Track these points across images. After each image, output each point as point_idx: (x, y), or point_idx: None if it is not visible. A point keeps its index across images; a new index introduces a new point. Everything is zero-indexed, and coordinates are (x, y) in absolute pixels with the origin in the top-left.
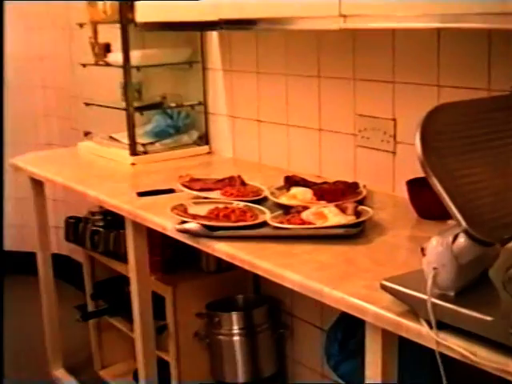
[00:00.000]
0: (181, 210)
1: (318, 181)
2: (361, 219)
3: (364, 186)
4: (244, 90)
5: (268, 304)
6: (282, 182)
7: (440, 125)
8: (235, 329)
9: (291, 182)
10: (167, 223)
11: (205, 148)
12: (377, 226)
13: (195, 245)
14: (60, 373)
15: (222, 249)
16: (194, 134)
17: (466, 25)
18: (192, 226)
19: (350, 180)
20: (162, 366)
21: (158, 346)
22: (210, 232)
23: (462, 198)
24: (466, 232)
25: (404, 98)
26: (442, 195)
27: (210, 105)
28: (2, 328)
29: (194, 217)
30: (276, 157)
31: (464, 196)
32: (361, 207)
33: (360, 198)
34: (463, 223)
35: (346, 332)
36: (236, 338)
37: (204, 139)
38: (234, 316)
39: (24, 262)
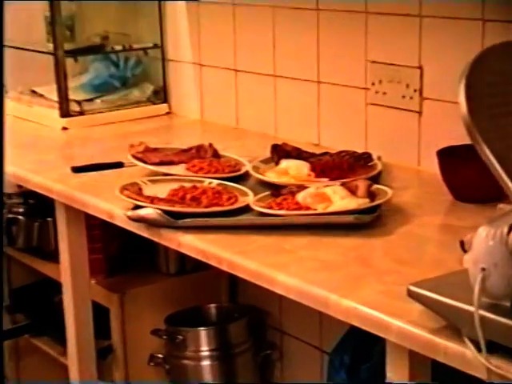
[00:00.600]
0: (133, 190)
1: (317, 151)
2: (376, 202)
3: (379, 158)
4: (216, 29)
5: (249, 316)
6: (268, 153)
7: (491, 74)
8: (205, 350)
9: (281, 152)
10: (115, 209)
11: (162, 107)
12: (397, 211)
13: (154, 238)
14: None
15: (190, 243)
16: (148, 88)
17: None
18: (149, 212)
19: (359, 150)
20: None
21: (101, 374)
22: (173, 220)
23: None
24: None
25: (434, 39)
26: (495, 168)
27: (170, 48)
28: (2, 328)
29: (152, 200)
30: (259, 119)
31: None
32: (375, 186)
33: (374, 173)
34: None
35: (356, 354)
36: (206, 363)
37: (161, 95)
38: (203, 333)
39: None
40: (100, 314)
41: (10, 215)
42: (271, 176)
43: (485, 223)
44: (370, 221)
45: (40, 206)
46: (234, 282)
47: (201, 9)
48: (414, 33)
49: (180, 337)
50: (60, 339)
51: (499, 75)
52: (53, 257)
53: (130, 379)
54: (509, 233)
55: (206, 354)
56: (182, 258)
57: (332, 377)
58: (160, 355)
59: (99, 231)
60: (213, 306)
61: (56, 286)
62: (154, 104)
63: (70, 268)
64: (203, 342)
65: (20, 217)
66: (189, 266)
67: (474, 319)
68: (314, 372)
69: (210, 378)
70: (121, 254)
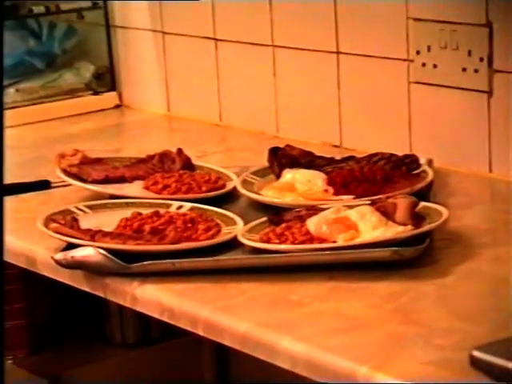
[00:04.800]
0: (65, 222)
1: (338, 156)
2: (424, 229)
3: (429, 163)
4: None
5: None
6: (265, 161)
7: None
8: None
9: (283, 159)
10: (37, 250)
11: (109, 97)
12: (457, 240)
13: (97, 292)
14: None
15: (151, 297)
16: (87, 70)
17: None
18: (88, 253)
19: (400, 152)
20: None
21: None
22: (125, 265)
23: None
24: None
25: None
26: None
27: (117, 10)
28: (3, 328)
29: (93, 235)
30: (252, 112)
31: None
32: (424, 205)
33: (422, 185)
34: None
35: None
36: None
37: (107, 79)
38: None
39: None
40: None
41: None
42: (270, 194)
43: None
44: (415, 256)
45: None
46: (222, 352)
47: None
48: None
49: None
50: None
51: None
52: None
53: None
54: None
55: None
56: (146, 321)
57: None
58: None
59: (19, 285)
60: None
61: None
62: (97, 93)
63: None
64: None
65: None
66: (156, 331)
67: None
68: None
69: None
70: (52, 319)
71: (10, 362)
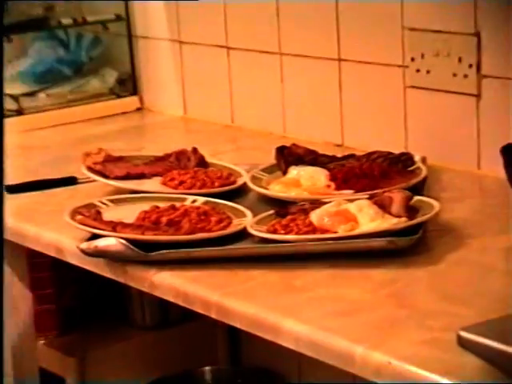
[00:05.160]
0: (89, 215)
1: (339, 154)
2: (418, 220)
3: (423, 160)
4: None
5: (257, 382)
6: (272, 159)
7: None
8: None
9: (289, 157)
10: (64, 240)
11: (131, 101)
12: (448, 231)
13: (118, 278)
14: None
15: (167, 282)
16: (111, 76)
17: None
18: (110, 242)
19: (396, 150)
20: None
21: None
22: (143, 253)
23: None
24: None
25: None
26: None
27: (138, 22)
28: (2, 328)
29: (115, 226)
30: (261, 113)
31: None
32: (417, 199)
33: (416, 181)
34: None
35: None
36: None
37: (129, 85)
38: None
39: None
40: None
41: None
42: (277, 189)
43: None
44: (409, 245)
45: None
46: (235, 336)
47: None
48: None
49: None
50: None
51: None
52: None
53: None
54: None
55: None
56: (164, 305)
57: None
58: None
59: (49, 273)
60: (207, 369)
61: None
62: (120, 97)
63: (7, 324)
64: None
65: None
66: (173, 315)
67: None
68: None
69: None
70: (79, 304)
71: (41, 342)
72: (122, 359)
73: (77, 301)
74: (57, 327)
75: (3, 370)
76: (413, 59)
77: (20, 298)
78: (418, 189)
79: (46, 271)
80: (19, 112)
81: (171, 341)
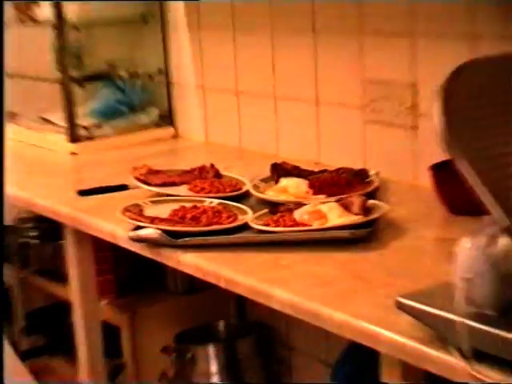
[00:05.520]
0: (135, 211)
1: (316, 169)
2: (371, 217)
3: (376, 174)
4: (217, 53)
5: (257, 333)
6: (268, 172)
7: (468, 88)
8: (214, 366)
9: (280, 171)
10: (118, 230)
11: (168, 130)
12: (393, 226)
13: (154, 257)
14: None
15: (190, 261)
16: (154, 113)
17: None
18: (149, 232)
19: (357, 167)
20: None
21: None
22: (172, 240)
23: (500, 184)
24: (507, 230)
25: (428, 56)
26: (474, 183)
27: (174, 73)
28: (2, 328)
29: (153, 220)
30: (261, 139)
31: (503, 182)
32: (371, 202)
33: (370, 189)
34: (504, 219)
35: (357, 365)
36: (216, 379)
37: (167, 119)
38: (212, 349)
39: None
40: (112, 334)
41: (24, 239)
42: (270, 194)
43: (467, 235)
44: (364, 235)
45: (52, 229)
46: (241, 300)
47: (202, 34)
48: (407, 50)
49: (189, 354)
50: (74, 359)
51: (477, 89)
52: (65, 279)
53: None
54: (491, 244)
55: (216, 369)
56: (191, 277)
57: None
58: (170, 372)
59: (108, 253)
60: (221, 323)
61: (69, 308)
62: (160, 127)
63: (79, 290)
64: (212, 358)
65: (33, 241)
66: (198, 284)
67: (459, 328)
68: None
69: None
70: (131, 275)
71: (103, 302)
72: (160, 315)
73: (128, 273)
74: (114, 292)
75: (3, 370)
76: (370, 102)
77: (87, 271)
78: (372, 195)
79: (106, 252)
80: (89, 138)
81: (196, 302)
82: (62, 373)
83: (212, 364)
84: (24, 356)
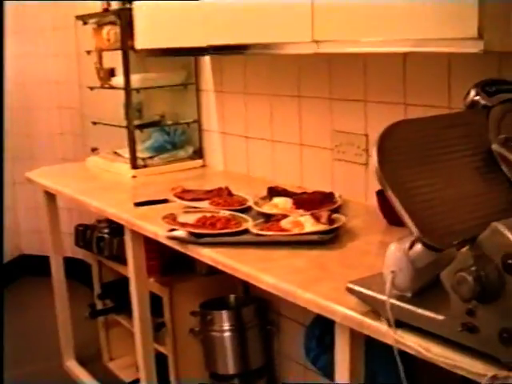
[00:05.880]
0: (171, 218)
1: (299, 191)
2: (334, 226)
3: (340, 196)
4: (233, 109)
5: (256, 304)
6: (265, 193)
7: (396, 140)
8: (226, 326)
9: (273, 192)
10: (159, 230)
11: (199, 162)
12: (350, 232)
13: (183, 250)
14: (71, 364)
15: (207, 254)
16: (190, 149)
17: (428, 49)
18: (180, 233)
19: (327, 190)
20: (162, 359)
21: (158, 341)
22: (196, 239)
23: (415, 207)
24: (418, 239)
25: (375, 116)
26: (396, 205)
27: (204, 122)
28: (3, 328)
29: (183, 225)
30: (262, 169)
31: (417, 205)
32: (335, 215)
33: (335, 206)
34: (415, 231)
35: (323, 328)
36: (227, 334)
37: (198, 154)
38: (225, 314)
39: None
40: (156, 301)
41: (99, 234)
42: (265, 208)
43: (394, 241)
44: (328, 239)
45: (118, 228)
46: (246, 281)
47: (224, 96)
48: (361, 112)
49: (209, 317)
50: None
51: (403, 140)
52: (127, 262)
53: (176, 346)
54: (410, 248)
55: (227, 328)
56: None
57: (307, 343)
58: (196, 329)
59: (155, 246)
60: (232, 296)
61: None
62: (193, 160)
63: (134, 270)
64: (225, 320)
65: (105, 235)
66: (216, 268)
67: (386, 305)
68: (299, 340)
69: (230, 345)
70: (170, 261)
71: (151, 279)
72: (190, 289)
73: (168, 259)
74: (159, 272)
75: (3, 370)
76: (336, 146)
77: (139, 258)
78: (336, 210)
79: (153, 245)
80: (145, 166)
81: (214, 282)
82: (124, 326)
83: (225, 324)
84: (99, 313)
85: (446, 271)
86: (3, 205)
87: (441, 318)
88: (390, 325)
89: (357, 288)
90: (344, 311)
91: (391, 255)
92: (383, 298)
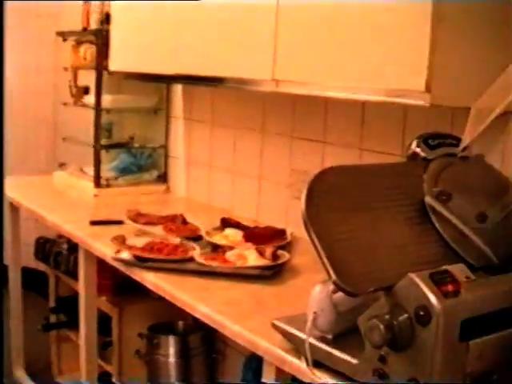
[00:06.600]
0: (120, 240)
1: (253, 225)
2: (276, 262)
3: (291, 233)
4: (200, 138)
5: (204, 331)
6: (218, 223)
7: (327, 184)
8: (172, 351)
9: (226, 223)
10: (107, 251)
11: (162, 186)
12: (293, 269)
13: (128, 273)
14: (20, 374)
15: (149, 279)
16: (154, 173)
17: (385, 99)
18: (125, 255)
19: (281, 226)
20: (107, 376)
21: (104, 359)
22: (140, 262)
23: (335, 252)
24: (334, 283)
25: (332, 157)
26: (316, 248)
27: (171, 148)
28: (2, 329)
29: (130, 247)
30: (222, 199)
31: (338, 251)
32: (280, 251)
33: (284, 243)
34: (332, 275)
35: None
36: (172, 360)
37: (162, 178)
38: (172, 339)
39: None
40: (106, 320)
41: (58, 249)
42: (216, 238)
43: (319, 282)
44: (269, 275)
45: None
46: None
47: (192, 124)
48: (319, 152)
49: (156, 340)
50: None
51: (333, 186)
52: None
53: (122, 365)
54: (334, 291)
55: (172, 353)
56: None
57: (244, 375)
58: (143, 351)
59: (110, 265)
60: (181, 322)
61: None
62: (157, 184)
63: (84, 287)
64: (171, 345)
65: (63, 251)
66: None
67: (305, 345)
68: None
69: (174, 371)
70: (124, 281)
71: (103, 298)
72: (140, 311)
73: (122, 280)
74: (111, 292)
75: (3, 370)
76: (293, 183)
77: (89, 276)
78: (284, 247)
79: (108, 264)
80: (108, 186)
81: (164, 306)
82: (74, 340)
83: (170, 349)
84: (51, 327)
85: (362, 317)
86: (3, 205)
87: (355, 362)
88: (308, 364)
89: (281, 325)
90: (267, 346)
91: (315, 296)
92: (303, 336)
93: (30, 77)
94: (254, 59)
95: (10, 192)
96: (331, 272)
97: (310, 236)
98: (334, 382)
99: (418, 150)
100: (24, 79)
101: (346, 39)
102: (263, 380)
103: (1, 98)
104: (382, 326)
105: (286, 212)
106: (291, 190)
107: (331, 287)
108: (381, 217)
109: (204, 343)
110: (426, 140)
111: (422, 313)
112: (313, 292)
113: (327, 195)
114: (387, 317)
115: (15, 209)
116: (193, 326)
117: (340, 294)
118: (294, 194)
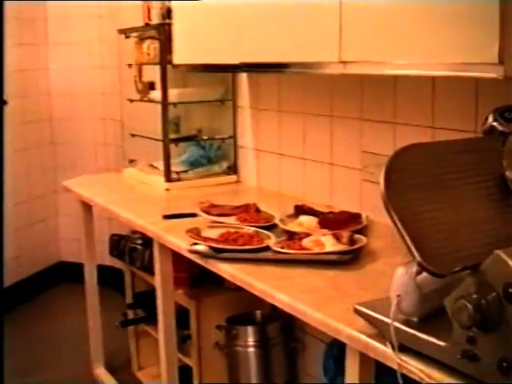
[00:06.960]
0: (194, 232)
1: (326, 210)
2: (354, 247)
3: (366, 217)
4: (268, 126)
5: (282, 320)
6: (292, 210)
7: (405, 163)
8: (251, 341)
9: (300, 210)
10: (182, 244)
11: (233, 177)
12: (371, 253)
13: (204, 264)
14: (101, 372)
15: (226, 269)
16: (224, 165)
17: (450, 73)
18: (201, 247)
19: (355, 210)
20: (186, 370)
21: (183, 353)
22: (216, 253)
23: (418, 232)
24: (419, 264)
25: (403, 138)
26: (399, 230)
27: (239, 138)
28: (2, 330)
29: (205, 239)
30: (293, 187)
31: (420, 231)
32: (356, 236)
33: (360, 227)
34: (417, 256)
35: (342, 348)
36: (251, 350)
37: (233, 169)
38: (250, 330)
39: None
40: (184, 313)
41: (132, 245)
42: (290, 226)
43: (400, 265)
44: (347, 259)
45: (151, 239)
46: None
47: (259, 113)
48: (390, 134)
49: (235, 332)
50: None
51: (412, 164)
52: None
53: (201, 358)
54: (417, 272)
55: (251, 344)
56: None
57: (325, 363)
58: (222, 343)
59: (185, 258)
60: (258, 312)
61: None
62: (228, 175)
63: (161, 281)
64: (250, 336)
65: (138, 246)
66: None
67: (390, 329)
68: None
69: (253, 361)
70: (200, 274)
71: (180, 292)
72: (217, 303)
73: (197, 272)
74: (187, 285)
75: (3, 371)
76: (365, 166)
77: (166, 270)
78: (360, 231)
79: (184, 257)
80: (179, 179)
81: (242, 296)
82: (152, 335)
83: (249, 340)
84: (129, 322)
85: (449, 298)
86: (3, 205)
87: (442, 344)
88: (393, 348)
89: (364, 310)
90: (350, 332)
91: (398, 279)
92: (389, 321)
93: (95, 76)
94: (320, 42)
95: (81, 191)
96: (416, 253)
97: (390, 217)
98: (421, 365)
99: (495, 123)
100: (89, 79)
101: (413, 15)
102: (347, 369)
103: (1, 98)
104: (470, 306)
105: (360, 196)
106: (363, 174)
107: (414, 269)
108: (461, 194)
109: (283, 332)
110: (502, 113)
111: (511, 290)
112: (395, 275)
113: (406, 174)
114: (475, 296)
115: (88, 207)
116: (271, 316)
117: (423, 276)
118: (366, 177)
